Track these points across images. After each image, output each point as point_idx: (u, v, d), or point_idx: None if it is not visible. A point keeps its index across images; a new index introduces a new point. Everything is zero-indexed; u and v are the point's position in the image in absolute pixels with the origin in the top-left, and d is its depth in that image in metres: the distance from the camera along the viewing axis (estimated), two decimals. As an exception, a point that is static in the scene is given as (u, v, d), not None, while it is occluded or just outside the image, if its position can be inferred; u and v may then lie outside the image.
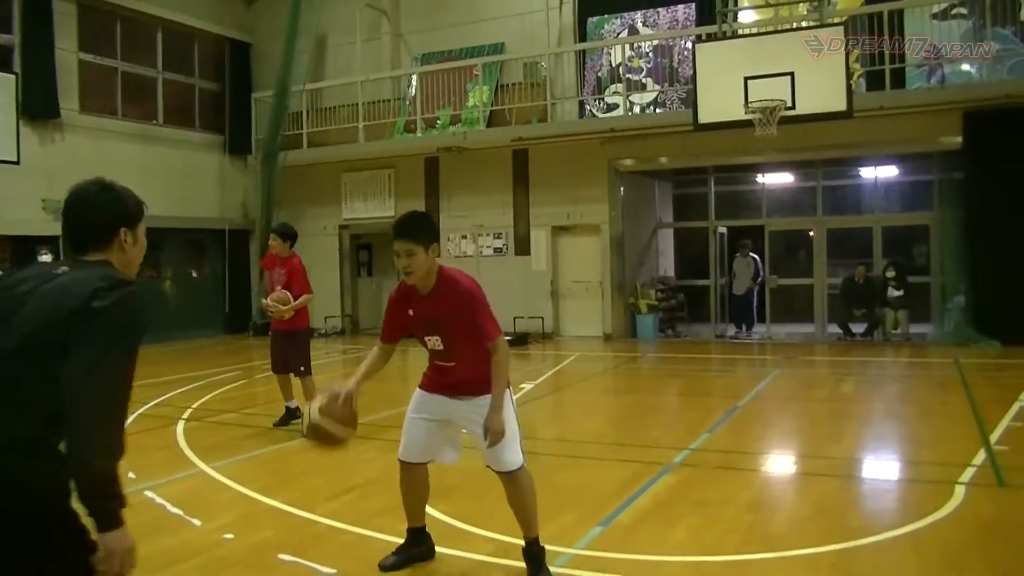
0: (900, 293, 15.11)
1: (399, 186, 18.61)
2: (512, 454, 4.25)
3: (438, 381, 4.40)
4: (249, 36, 20.59)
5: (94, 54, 17.41)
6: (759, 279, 16.91)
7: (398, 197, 18.61)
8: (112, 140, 17.20)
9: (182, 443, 7.83)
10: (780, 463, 6.90)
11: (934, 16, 14.20)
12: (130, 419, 8.93)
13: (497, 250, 17.45)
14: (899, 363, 13.26)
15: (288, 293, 8.04)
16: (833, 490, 6.05)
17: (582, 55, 16.94)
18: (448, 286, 4.24)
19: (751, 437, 7.80)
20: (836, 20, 13.04)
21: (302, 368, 8.25)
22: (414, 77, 18.36)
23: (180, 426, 8.64)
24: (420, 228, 4.21)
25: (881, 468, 6.78)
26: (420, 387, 4.50)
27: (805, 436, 8.19)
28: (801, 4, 13.92)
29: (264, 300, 8.02)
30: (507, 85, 17.39)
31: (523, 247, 17.25)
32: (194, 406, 9.74)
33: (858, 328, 15.46)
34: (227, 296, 19.80)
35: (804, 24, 13.30)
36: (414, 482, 4.53)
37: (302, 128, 18.86)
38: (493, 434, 4.11)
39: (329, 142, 18.72)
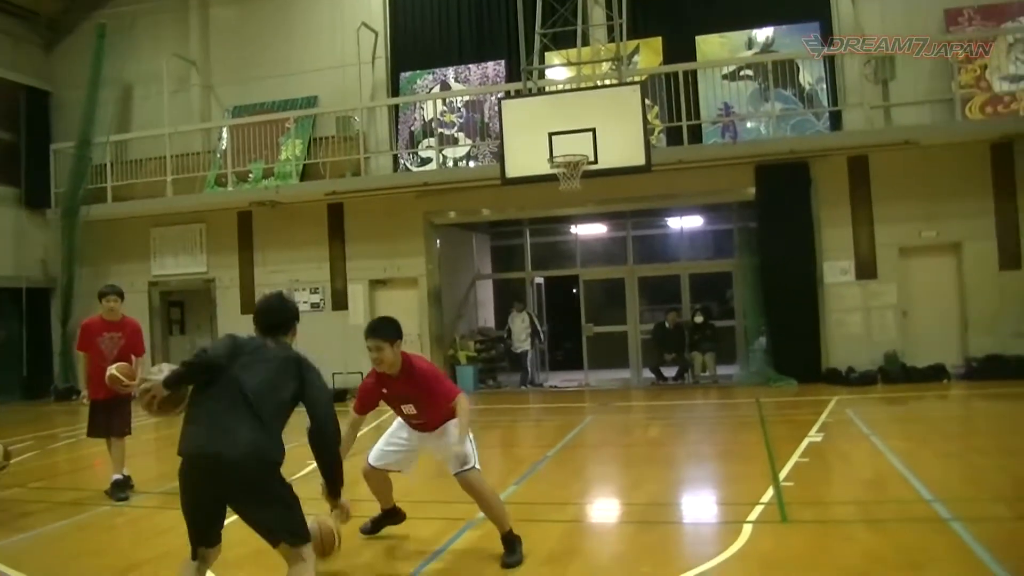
0: (707, 338, 15.83)
1: (211, 241, 18.01)
2: (466, 458, 5.41)
3: (411, 423, 5.72)
4: (48, 84, 19.60)
5: None
6: (539, 335, 17.23)
7: (210, 252, 18.03)
8: None
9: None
10: (582, 512, 6.97)
11: (725, 77, 15.17)
12: None
13: (314, 305, 17.11)
14: (706, 405, 13.83)
15: (131, 364, 7.69)
16: (629, 536, 6.18)
17: (395, 109, 17.04)
18: (410, 369, 5.43)
19: (556, 487, 7.87)
20: (635, 79, 13.69)
21: (126, 431, 8.07)
22: (225, 130, 17.89)
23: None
24: (386, 330, 5.38)
25: (677, 511, 6.97)
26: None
27: (609, 483, 8.36)
28: (604, 63, 14.51)
29: (111, 372, 7.33)
30: (321, 139, 17.24)
31: (340, 302, 17.01)
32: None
33: (670, 372, 16.04)
34: (24, 359, 18.47)
35: (606, 82, 13.89)
36: (380, 480, 6.01)
37: (106, 181, 17.99)
38: (458, 455, 5.37)
39: (136, 196, 17.93)
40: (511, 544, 5.47)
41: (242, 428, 3.99)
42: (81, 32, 19.35)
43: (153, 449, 11.33)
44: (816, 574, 5.04)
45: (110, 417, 8.00)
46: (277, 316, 4.53)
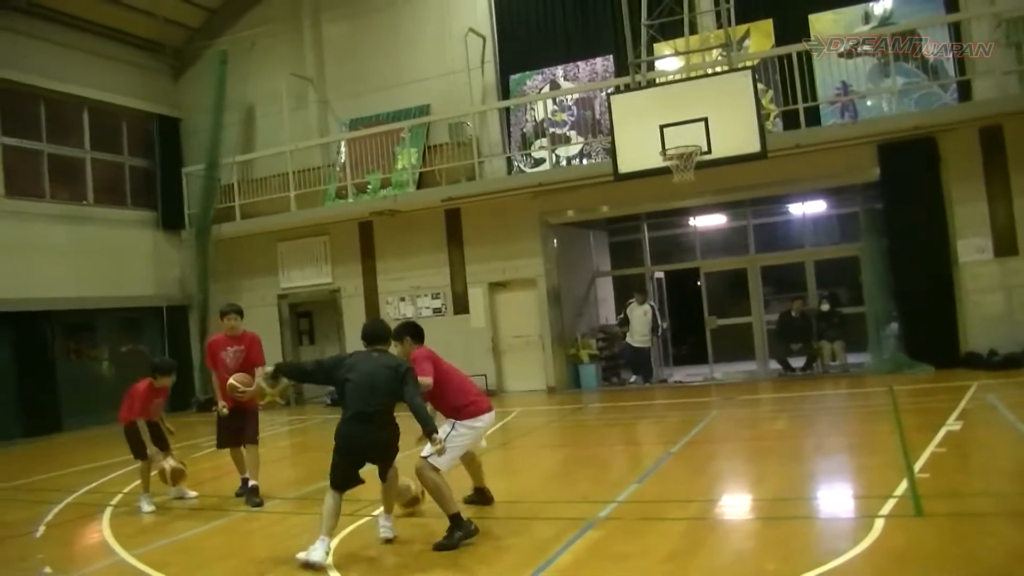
0: (835, 325, 15.31)
1: (335, 252, 18.57)
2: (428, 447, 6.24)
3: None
4: (177, 111, 20.58)
5: (18, 137, 17.23)
6: (658, 331, 16.77)
7: (334, 263, 18.58)
8: (39, 223, 16.99)
9: (107, 531, 7.62)
10: (703, 510, 6.83)
11: (841, 55, 14.62)
12: (57, 508, 8.76)
13: (436, 310, 17.41)
14: (835, 395, 13.36)
15: (249, 374, 8.30)
16: (753, 533, 6.04)
17: (506, 112, 17.15)
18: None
19: (678, 484, 7.76)
20: (745, 64, 13.35)
21: (256, 439, 8.56)
22: (342, 143, 18.42)
23: (107, 513, 8.43)
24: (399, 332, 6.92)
25: (804, 506, 6.74)
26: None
27: (733, 478, 8.19)
28: (713, 50, 14.22)
29: (230, 380, 8.15)
30: (434, 146, 17.52)
31: (461, 305, 17.24)
32: (125, 491, 9.47)
33: (797, 362, 15.59)
34: (168, 374, 19.42)
35: (716, 69, 13.60)
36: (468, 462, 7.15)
37: (234, 200, 18.79)
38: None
39: (261, 212, 18.65)
40: (454, 522, 6.16)
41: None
42: (205, 59, 20.28)
43: (286, 455, 11.76)
44: (952, 572, 4.79)
45: (241, 426, 8.45)
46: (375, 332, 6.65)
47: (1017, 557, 4.88)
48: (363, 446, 6.14)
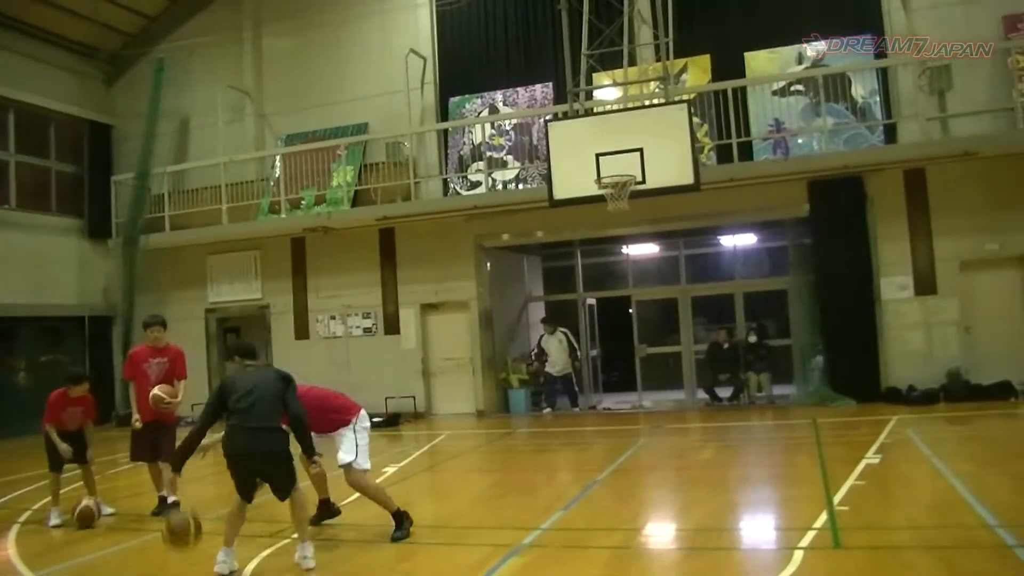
0: (762, 357, 15.55)
1: (265, 268, 18.29)
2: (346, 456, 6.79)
3: None
4: (109, 118, 20.14)
5: (-64, 138, 16.66)
6: (577, 356, 16.63)
7: (265, 279, 18.31)
8: (-43, 227, 16.40)
9: (11, 549, 7.33)
10: (627, 538, 6.82)
11: (775, 93, 14.98)
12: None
13: (367, 330, 17.23)
14: (761, 426, 13.56)
15: (172, 386, 8.38)
16: (676, 563, 6.04)
17: (444, 134, 17.16)
18: None
19: (603, 513, 7.74)
20: (682, 97, 13.57)
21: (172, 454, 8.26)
22: (278, 158, 18.19)
23: (14, 531, 8.10)
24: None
25: (727, 537, 6.78)
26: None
27: (658, 507, 8.21)
28: (651, 82, 14.43)
29: (155, 392, 8.16)
30: (371, 165, 17.42)
31: (393, 326, 17.09)
32: (35, 507, 9.12)
33: (725, 392, 15.79)
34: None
35: (653, 101, 13.79)
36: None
37: (164, 211, 18.38)
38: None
39: (192, 224, 18.28)
40: (398, 518, 6.76)
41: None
42: (140, 67, 19.90)
43: (208, 473, 11.44)
44: (869, 603, 4.86)
45: (157, 440, 8.38)
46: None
47: (932, 591, 4.97)
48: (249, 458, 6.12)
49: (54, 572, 6.54)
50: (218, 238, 18.02)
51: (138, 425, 8.35)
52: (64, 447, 8.28)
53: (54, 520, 8.17)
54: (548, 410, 16.39)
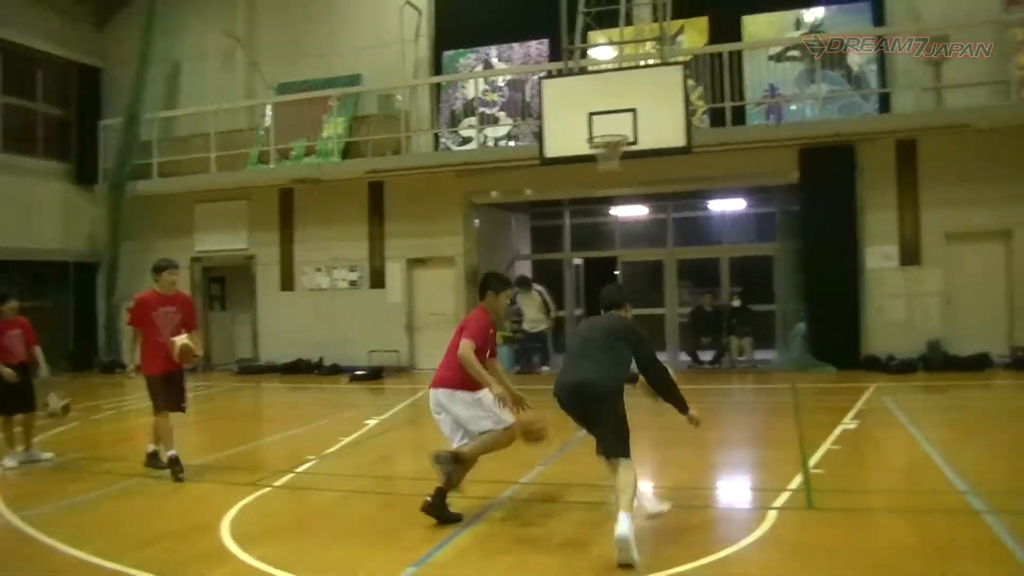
0: (745, 321, 15.64)
1: (253, 218, 18.22)
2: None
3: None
4: (99, 61, 19.87)
5: (-79, 76, 16.43)
6: (551, 313, 16.55)
7: (252, 229, 18.24)
8: (-60, 167, 16.23)
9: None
10: (606, 494, 6.90)
11: (771, 58, 14.91)
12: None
13: (352, 283, 17.24)
14: (741, 389, 13.70)
15: (193, 335, 7.83)
16: (653, 520, 6.12)
17: (437, 88, 17.03)
18: None
19: (582, 468, 7.75)
20: (678, 59, 13.49)
21: (183, 406, 8.08)
22: (268, 107, 18.00)
23: (-7, 473, 8.14)
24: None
25: (703, 496, 6.92)
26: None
27: (636, 466, 8.25)
28: (647, 43, 14.33)
29: (184, 342, 7.62)
30: (363, 117, 17.26)
31: (378, 280, 17.11)
32: (17, 450, 9.12)
33: (707, 355, 15.90)
34: (72, 331, 18.85)
35: (648, 62, 13.71)
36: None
37: (152, 157, 18.20)
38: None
39: (181, 172, 18.11)
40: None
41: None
42: (132, 10, 19.54)
43: (191, 422, 11.48)
44: (840, 562, 4.96)
45: (181, 389, 7.99)
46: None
47: (904, 552, 5.08)
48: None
49: (33, 515, 6.59)
50: (206, 186, 17.88)
51: (133, 375, 7.95)
52: (8, 372, 8.14)
53: (9, 463, 8.18)
54: (546, 368, 16.37)
